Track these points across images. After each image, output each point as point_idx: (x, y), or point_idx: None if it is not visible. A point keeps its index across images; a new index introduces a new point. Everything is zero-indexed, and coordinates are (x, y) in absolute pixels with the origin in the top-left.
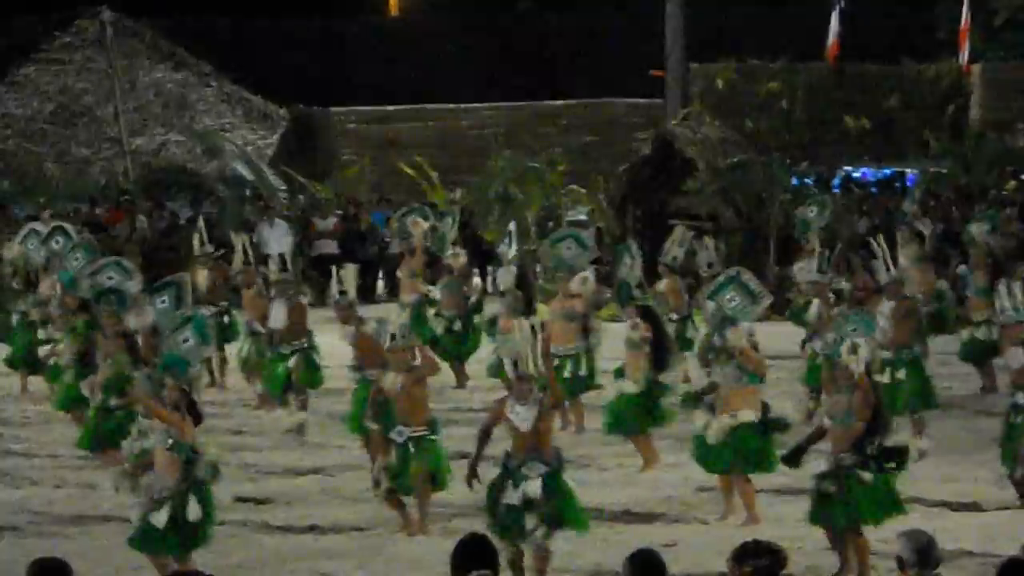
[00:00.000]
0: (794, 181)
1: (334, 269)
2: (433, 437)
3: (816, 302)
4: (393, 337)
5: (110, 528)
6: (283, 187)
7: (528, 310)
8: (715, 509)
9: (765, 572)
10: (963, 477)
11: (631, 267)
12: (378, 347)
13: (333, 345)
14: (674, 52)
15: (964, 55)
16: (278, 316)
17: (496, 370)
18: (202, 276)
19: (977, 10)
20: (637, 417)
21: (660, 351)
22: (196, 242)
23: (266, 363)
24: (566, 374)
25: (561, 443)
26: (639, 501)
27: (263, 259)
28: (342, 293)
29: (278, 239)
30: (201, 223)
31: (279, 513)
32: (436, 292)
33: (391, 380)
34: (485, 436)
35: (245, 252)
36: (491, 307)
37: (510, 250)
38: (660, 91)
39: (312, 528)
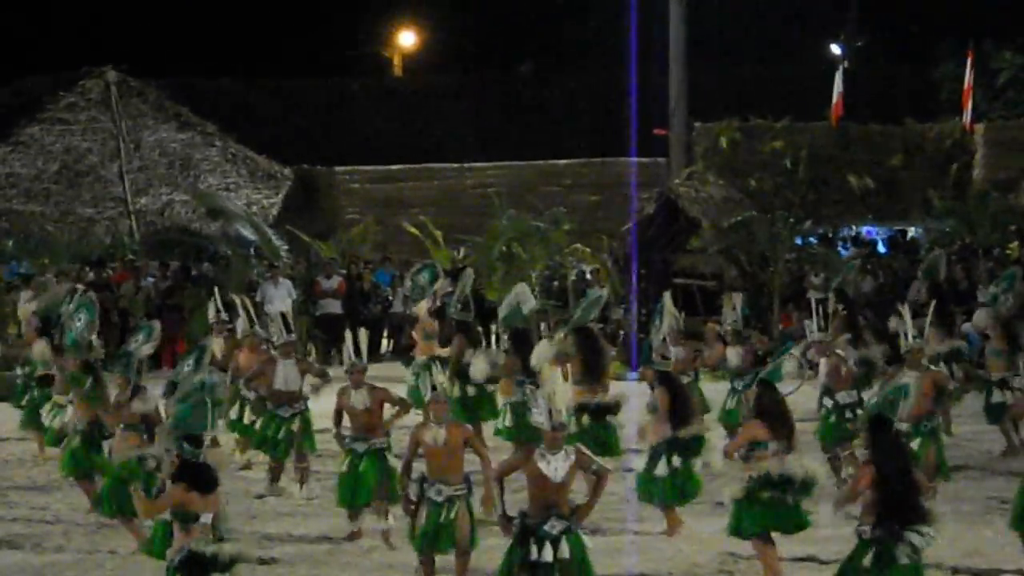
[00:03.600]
0: (798, 240)
1: (347, 333)
2: (469, 496)
3: (823, 362)
4: (434, 388)
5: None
6: (287, 246)
7: (526, 372)
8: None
9: None
10: (981, 539)
11: (658, 329)
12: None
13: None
14: (678, 111)
15: (967, 114)
16: (290, 377)
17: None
18: (217, 344)
19: (980, 70)
20: (669, 491)
21: (677, 416)
22: (211, 310)
23: (265, 426)
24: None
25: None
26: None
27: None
28: (357, 356)
29: (281, 298)
30: (217, 293)
31: (283, 574)
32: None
33: (432, 433)
34: (501, 484)
35: (248, 313)
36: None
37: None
38: (664, 150)
39: None
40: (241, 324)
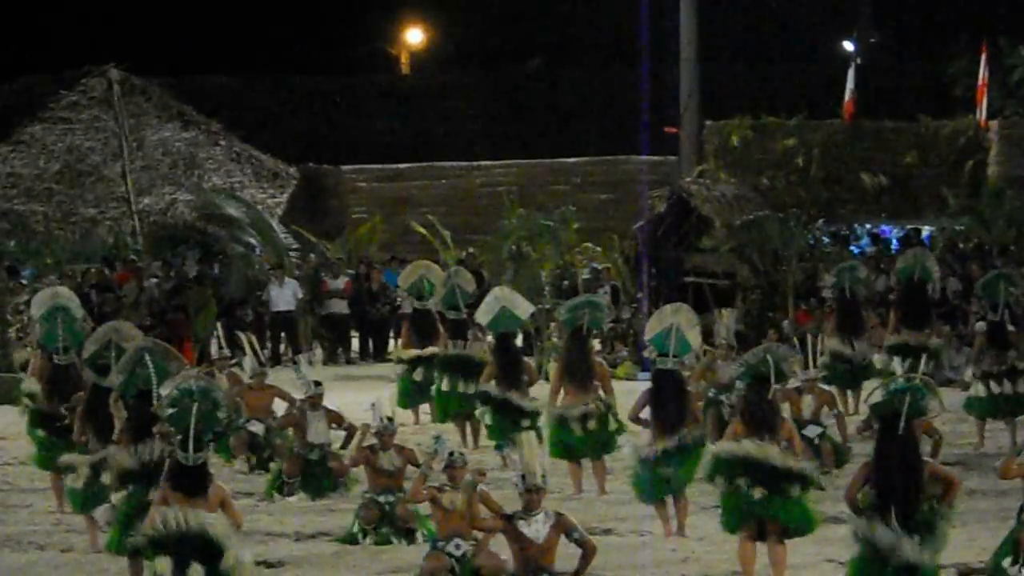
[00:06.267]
0: (811, 239)
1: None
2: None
3: (809, 398)
4: (451, 454)
5: None
6: (293, 246)
7: (518, 382)
8: (734, 572)
9: None
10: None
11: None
12: None
13: (344, 404)
14: (689, 109)
15: (982, 111)
16: (320, 430)
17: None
18: (221, 381)
19: (994, 67)
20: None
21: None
22: (215, 347)
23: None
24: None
25: (579, 505)
26: (657, 563)
27: (271, 320)
28: (389, 420)
29: (287, 299)
30: (219, 328)
31: None
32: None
33: (449, 497)
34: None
35: (255, 351)
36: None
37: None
38: (675, 148)
39: None
40: (248, 362)
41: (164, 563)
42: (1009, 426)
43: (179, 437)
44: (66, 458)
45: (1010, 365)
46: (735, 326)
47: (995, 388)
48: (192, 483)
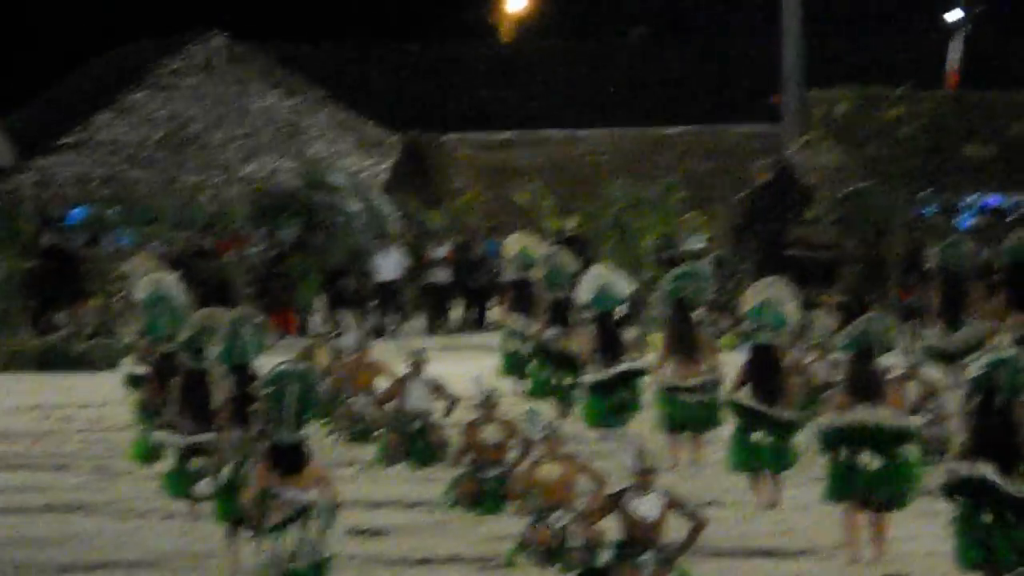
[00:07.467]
0: (916, 210)
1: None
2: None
3: (910, 385)
4: (546, 427)
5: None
6: (395, 215)
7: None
8: (838, 545)
9: None
10: None
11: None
12: None
13: (445, 374)
14: (793, 78)
15: None
16: (420, 395)
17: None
18: (322, 355)
19: None
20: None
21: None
22: (317, 321)
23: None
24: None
25: (680, 477)
26: (758, 535)
27: (375, 289)
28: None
29: (391, 268)
30: (322, 302)
31: (392, 545)
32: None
33: (547, 469)
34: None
35: (355, 324)
36: None
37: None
38: (779, 118)
39: (426, 561)
40: (350, 336)
41: (290, 538)
42: None
43: (277, 417)
44: (160, 435)
45: None
46: (830, 326)
47: None
48: (290, 462)
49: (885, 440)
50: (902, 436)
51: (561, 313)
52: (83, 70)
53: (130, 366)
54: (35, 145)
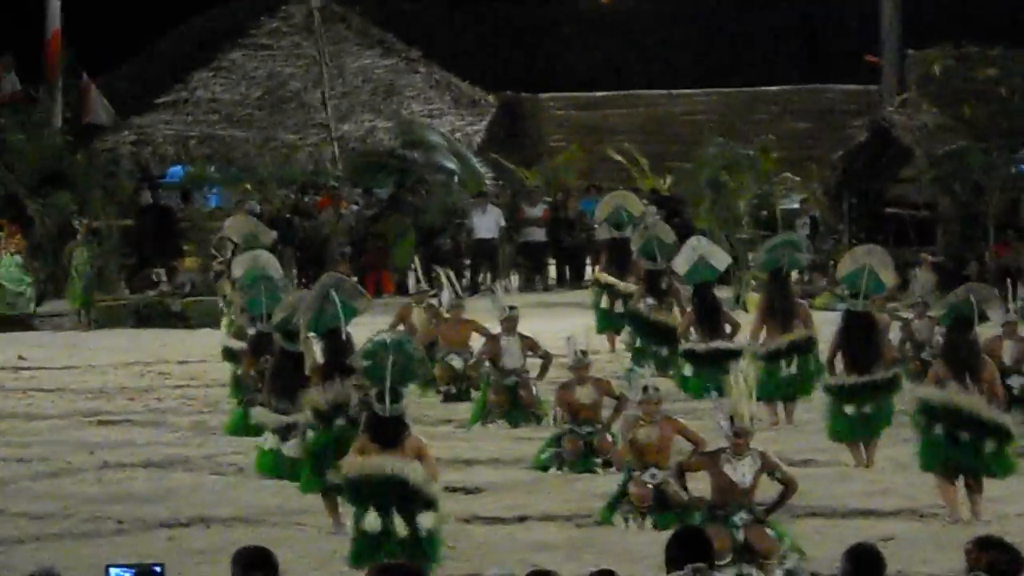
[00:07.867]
0: (1014, 170)
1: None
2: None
3: (1009, 344)
4: (646, 390)
5: (315, 519)
6: (491, 174)
7: (719, 331)
8: (935, 504)
9: (1004, 568)
10: None
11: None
12: None
13: (539, 331)
14: (890, 38)
15: None
16: (514, 352)
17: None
18: (418, 314)
19: None
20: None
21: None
22: (411, 280)
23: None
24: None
25: (775, 437)
26: (854, 495)
27: (473, 248)
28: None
29: (489, 226)
30: (416, 260)
31: (488, 503)
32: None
33: (646, 431)
34: (683, 478)
35: (452, 284)
36: None
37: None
38: (876, 77)
39: (522, 519)
40: (446, 295)
41: (373, 518)
42: None
43: (375, 390)
44: (259, 412)
45: None
46: (930, 282)
47: None
48: (389, 434)
49: (976, 426)
50: (997, 430)
51: (656, 283)
52: (181, 29)
53: (227, 339)
54: (133, 104)
